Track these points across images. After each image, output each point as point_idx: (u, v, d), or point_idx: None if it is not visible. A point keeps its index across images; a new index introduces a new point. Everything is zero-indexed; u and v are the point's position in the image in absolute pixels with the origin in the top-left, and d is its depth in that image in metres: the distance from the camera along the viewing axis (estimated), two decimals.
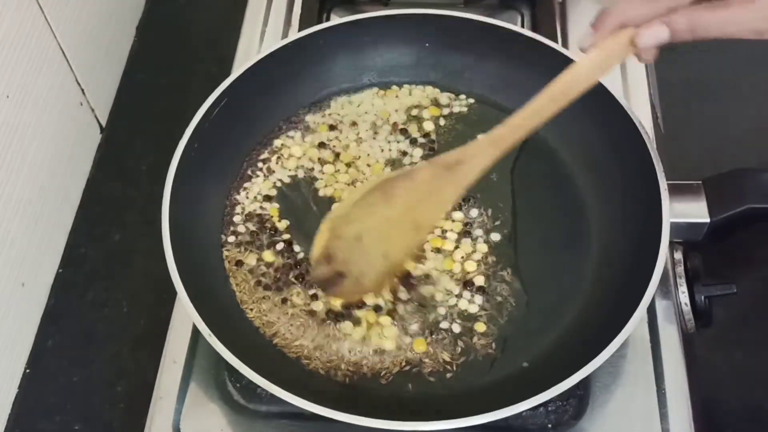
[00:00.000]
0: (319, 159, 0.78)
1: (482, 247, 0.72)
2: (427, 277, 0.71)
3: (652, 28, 0.56)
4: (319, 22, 0.89)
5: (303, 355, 0.67)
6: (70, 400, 0.73)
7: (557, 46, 0.77)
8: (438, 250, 0.72)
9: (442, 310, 0.69)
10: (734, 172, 0.70)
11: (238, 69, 0.76)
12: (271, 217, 0.74)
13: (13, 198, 0.73)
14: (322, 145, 0.79)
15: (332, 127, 0.80)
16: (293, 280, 0.70)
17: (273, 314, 0.69)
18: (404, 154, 0.78)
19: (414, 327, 0.68)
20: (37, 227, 0.77)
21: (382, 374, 0.66)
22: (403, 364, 0.66)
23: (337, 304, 0.68)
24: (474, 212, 0.74)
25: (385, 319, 0.68)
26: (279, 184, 0.76)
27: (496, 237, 0.73)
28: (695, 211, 0.69)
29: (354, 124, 0.80)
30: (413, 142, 0.79)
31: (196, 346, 0.69)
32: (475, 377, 0.66)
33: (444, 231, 0.73)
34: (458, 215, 0.74)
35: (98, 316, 0.78)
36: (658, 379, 0.67)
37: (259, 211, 0.75)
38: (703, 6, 0.55)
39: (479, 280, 0.70)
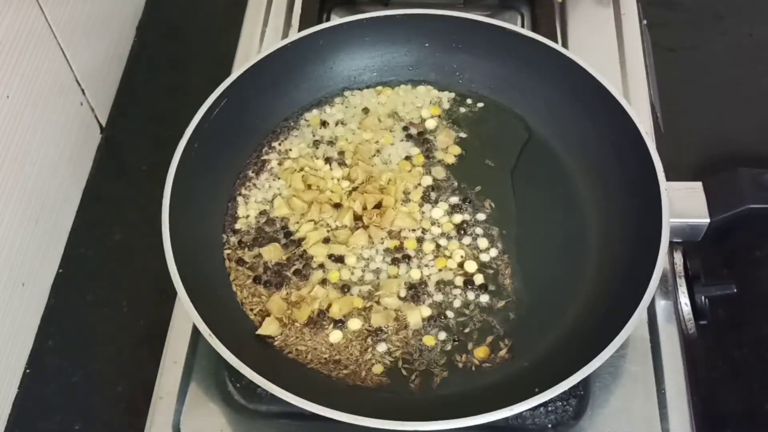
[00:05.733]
0: (319, 158, 0.78)
1: (483, 246, 0.72)
2: (427, 277, 0.71)
3: None
4: (319, 22, 0.89)
5: (302, 355, 0.67)
6: (70, 400, 0.73)
7: (557, 46, 0.77)
8: (439, 250, 0.72)
9: (442, 310, 0.69)
10: (734, 172, 0.70)
11: (238, 69, 0.76)
12: (272, 216, 0.74)
13: (13, 198, 0.73)
14: (322, 144, 0.79)
15: (332, 127, 0.80)
16: (293, 277, 0.71)
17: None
18: (404, 153, 0.78)
19: (414, 326, 0.68)
20: (37, 227, 0.77)
21: (381, 374, 0.66)
22: (403, 364, 0.67)
23: (336, 308, 0.68)
24: (474, 212, 0.74)
25: (384, 320, 0.68)
26: (279, 183, 0.76)
27: (496, 237, 0.73)
28: (695, 211, 0.69)
29: (354, 124, 0.80)
30: (413, 141, 0.79)
31: (196, 346, 0.69)
32: (475, 377, 0.66)
33: (445, 231, 0.73)
34: (458, 216, 0.74)
35: (98, 316, 0.78)
36: (658, 379, 0.67)
37: (259, 211, 0.75)
38: None
39: (479, 279, 0.71)
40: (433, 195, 0.76)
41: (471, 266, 0.71)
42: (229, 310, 0.69)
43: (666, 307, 0.70)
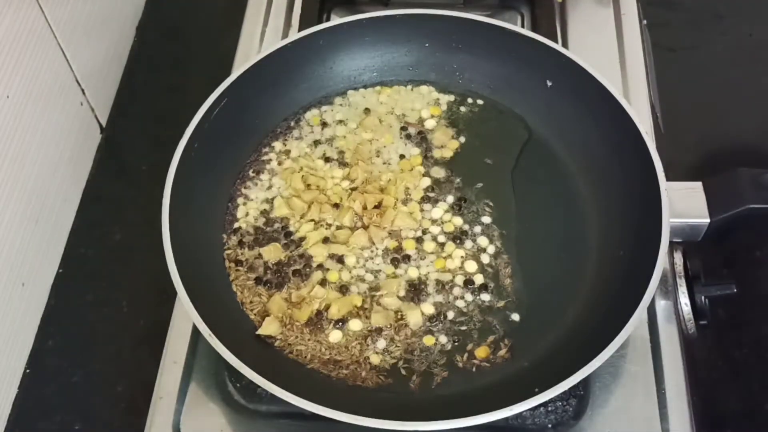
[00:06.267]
0: (319, 158, 0.78)
1: (483, 246, 0.72)
2: (427, 277, 0.71)
3: None
4: (319, 22, 0.89)
5: (302, 355, 0.67)
6: (70, 400, 0.73)
7: (557, 46, 0.77)
8: (438, 250, 0.72)
9: (442, 310, 0.69)
10: (734, 172, 0.70)
11: (238, 69, 0.76)
12: (272, 216, 0.74)
13: (13, 198, 0.73)
14: (322, 144, 0.79)
15: (332, 127, 0.80)
16: (293, 277, 0.71)
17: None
18: (404, 153, 0.78)
19: (414, 326, 0.68)
20: (37, 227, 0.77)
21: (381, 374, 0.66)
22: (403, 364, 0.67)
23: (335, 309, 0.69)
24: (474, 212, 0.74)
25: (384, 320, 0.68)
26: (279, 183, 0.76)
27: (496, 237, 0.73)
28: (695, 211, 0.69)
29: (354, 124, 0.80)
30: (413, 141, 0.79)
31: (196, 346, 0.69)
32: (475, 377, 0.66)
33: (445, 231, 0.73)
34: (458, 216, 0.74)
35: (98, 316, 0.78)
36: (658, 379, 0.67)
37: (259, 211, 0.75)
38: None
39: (479, 279, 0.71)
40: (432, 195, 0.76)
41: (471, 266, 0.71)
42: (229, 310, 0.69)
43: (666, 307, 0.70)
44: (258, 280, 0.71)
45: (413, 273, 0.71)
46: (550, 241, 0.73)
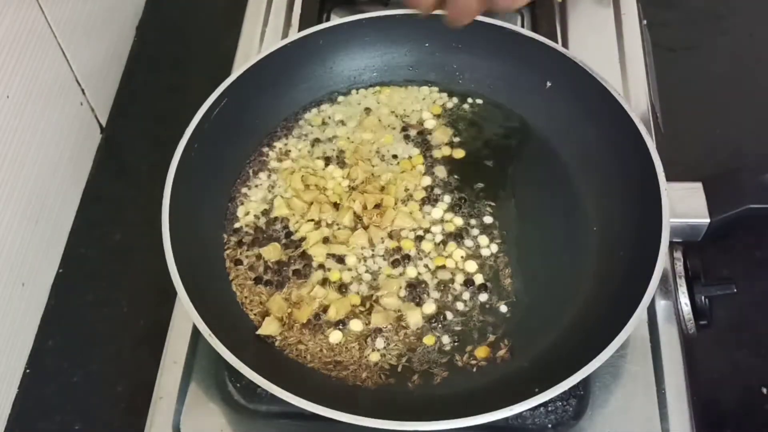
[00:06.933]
0: (319, 158, 0.78)
1: (482, 246, 0.72)
2: (427, 277, 0.71)
3: None
4: (319, 22, 0.89)
5: (302, 355, 0.67)
6: (70, 400, 0.73)
7: (557, 46, 0.77)
8: (438, 250, 0.72)
9: (442, 310, 0.69)
10: (734, 172, 0.70)
11: (238, 69, 0.76)
12: (272, 216, 0.74)
13: (13, 198, 0.73)
14: (322, 144, 0.79)
15: (332, 127, 0.80)
16: (293, 277, 0.71)
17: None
18: (404, 153, 0.78)
19: (414, 326, 0.68)
20: (37, 227, 0.77)
21: (381, 374, 0.66)
22: (403, 364, 0.67)
23: (333, 311, 0.68)
24: (474, 212, 0.74)
25: (384, 320, 0.68)
26: (279, 183, 0.76)
27: (496, 237, 0.73)
28: (695, 211, 0.69)
29: (354, 124, 0.80)
30: (413, 141, 0.79)
31: (196, 346, 0.69)
32: (475, 377, 0.66)
33: (444, 231, 0.73)
34: (458, 216, 0.74)
35: (98, 316, 0.78)
36: (658, 379, 0.67)
37: (259, 211, 0.75)
38: None
39: (479, 279, 0.71)
40: (432, 195, 0.75)
41: (471, 266, 0.71)
42: (229, 310, 0.69)
43: (666, 307, 0.70)
44: (258, 280, 0.71)
45: (413, 273, 0.71)
46: (550, 241, 0.73)
